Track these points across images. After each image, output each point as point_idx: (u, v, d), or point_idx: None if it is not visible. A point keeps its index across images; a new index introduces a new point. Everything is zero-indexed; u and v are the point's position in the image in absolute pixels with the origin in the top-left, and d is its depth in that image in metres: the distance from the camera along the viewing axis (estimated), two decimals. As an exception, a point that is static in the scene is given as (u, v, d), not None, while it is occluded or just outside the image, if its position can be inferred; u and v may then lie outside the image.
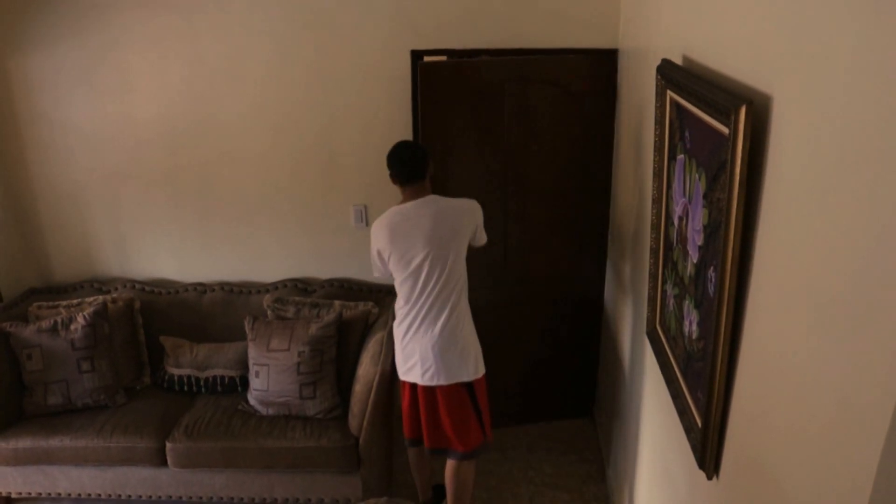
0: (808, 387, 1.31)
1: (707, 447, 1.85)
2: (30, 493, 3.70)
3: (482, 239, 3.31)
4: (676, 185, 2.18)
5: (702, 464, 1.90)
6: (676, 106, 2.16)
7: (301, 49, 3.78)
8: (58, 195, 4.14)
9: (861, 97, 1.12)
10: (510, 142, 3.87)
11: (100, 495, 3.67)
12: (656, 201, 2.46)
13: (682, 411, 2.09)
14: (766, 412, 1.52)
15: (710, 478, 1.90)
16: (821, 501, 1.25)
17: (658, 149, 2.42)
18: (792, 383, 1.38)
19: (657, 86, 2.37)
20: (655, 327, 2.55)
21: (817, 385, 1.27)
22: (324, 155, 3.95)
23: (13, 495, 3.74)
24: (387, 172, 3.92)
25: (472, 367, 3.18)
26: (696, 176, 1.92)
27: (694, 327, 1.98)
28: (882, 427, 1.04)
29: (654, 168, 2.47)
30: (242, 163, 4.00)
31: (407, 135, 3.86)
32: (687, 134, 2.03)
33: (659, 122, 2.39)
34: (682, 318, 2.12)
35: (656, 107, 2.40)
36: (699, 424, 1.92)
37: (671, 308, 2.29)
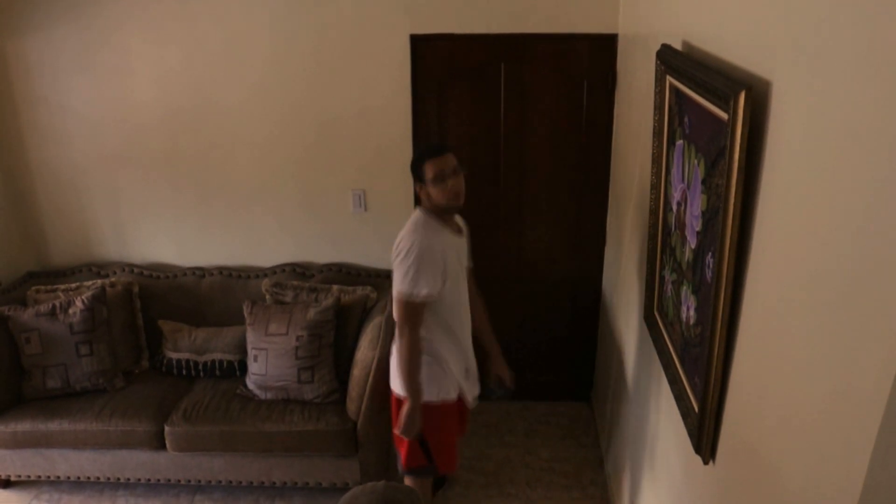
0: (804, 372, 1.32)
1: (703, 432, 1.86)
2: (29, 476, 3.71)
3: None
4: (675, 171, 2.18)
5: (698, 448, 1.91)
6: (676, 91, 2.15)
7: (300, 34, 3.76)
8: (56, 179, 4.13)
9: (860, 83, 1.12)
10: (507, 124, 3.87)
11: (98, 478, 3.69)
12: (655, 187, 2.46)
13: (679, 396, 2.10)
14: (762, 397, 1.53)
15: (706, 462, 1.91)
16: (816, 486, 1.26)
17: (657, 134, 2.41)
18: (788, 369, 1.39)
19: (657, 71, 2.37)
20: (653, 313, 2.56)
21: (813, 371, 1.27)
22: (323, 140, 3.94)
23: (12, 478, 3.75)
24: (386, 157, 3.94)
25: (399, 384, 2.93)
26: (695, 161, 1.92)
27: (691, 313, 1.99)
28: (877, 413, 1.05)
29: (653, 154, 2.46)
30: (241, 147, 3.99)
31: (406, 121, 3.85)
32: (686, 119, 2.03)
33: (658, 107, 2.39)
34: (680, 303, 2.12)
35: (656, 92, 2.40)
36: (696, 409, 1.93)
37: (669, 293, 2.29)
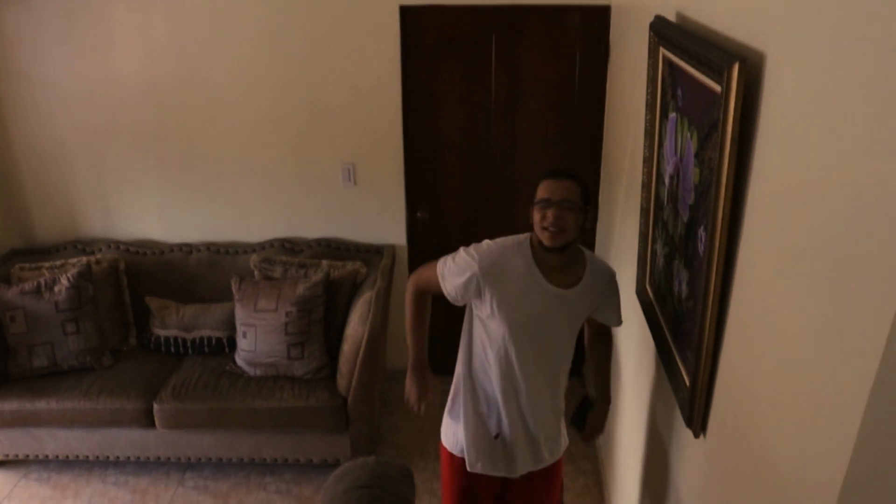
0: (795, 345, 1.31)
1: (694, 406, 1.86)
2: (17, 456, 3.70)
3: None
4: (668, 144, 2.16)
5: (689, 422, 1.91)
6: (669, 63, 2.12)
7: (289, 5, 3.70)
8: (39, 154, 4.07)
9: (854, 55, 1.10)
10: (498, 97, 3.84)
11: (87, 457, 3.68)
12: (647, 160, 2.44)
13: (671, 371, 2.10)
14: (753, 371, 1.52)
15: (696, 436, 1.91)
16: (804, 458, 1.26)
17: (650, 107, 2.39)
18: (780, 343, 1.38)
19: (650, 43, 2.34)
20: (645, 287, 2.55)
21: (804, 345, 1.27)
22: (312, 113, 3.90)
23: (0, 458, 3.74)
24: (376, 130, 3.90)
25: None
26: (688, 134, 1.90)
27: (683, 287, 1.97)
28: (865, 387, 1.04)
29: (646, 127, 2.44)
30: (229, 121, 3.94)
31: (396, 94, 3.81)
32: (679, 92, 2.01)
33: (651, 79, 2.36)
34: (672, 277, 2.11)
35: (649, 64, 2.37)
36: (687, 383, 1.92)
37: (661, 268, 2.28)
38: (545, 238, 2.23)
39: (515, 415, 2.44)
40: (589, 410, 2.66)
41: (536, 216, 2.26)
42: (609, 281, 2.45)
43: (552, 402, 2.50)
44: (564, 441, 2.65)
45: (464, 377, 2.49)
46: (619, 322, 2.54)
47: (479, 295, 2.32)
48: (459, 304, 2.42)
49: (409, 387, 2.63)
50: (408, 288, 2.54)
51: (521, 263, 2.30)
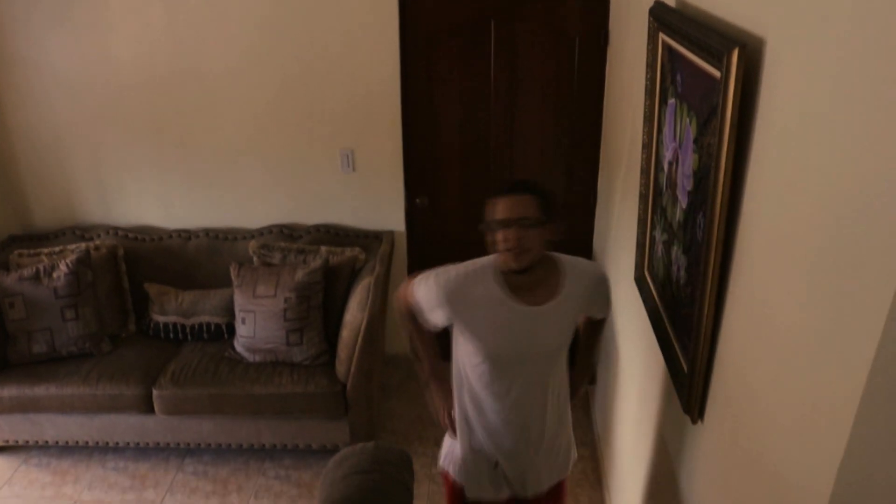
0: (793, 332, 1.31)
1: (692, 392, 1.86)
2: (17, 441, 3.71)
3: None
4: (667, 130, 2.16)
5: (687, 408, 1.91)
6: (668, 49, 2.12)
7: (285, -11, 3.69)
8: (36, 140, 4.06)
9: (855, 41, 1.09)
10: (497, 83, 3.83)
11: (87, 443, 3.69)
12: (646, 146, 2.43)
13: (669, 357, 2.10)
14: (751, 356, 1.53)
15: (694, 422, 1.91)
16: (802, 446, 1.26)
17: (649, 93, 2.38)
18: (777, 328, 1.38)
19: (649, 28, 2.33)
20: (644, 273, 2.55)
21: (803, 330, 1.27)
22: (310, 99, 3.89)
23: (0, 443, 3.75)
24: (375, 116, 3.88)
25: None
26: (687, 120, 1.89)
27: (682, 273, 1.97)
28: (863, 373, 1.04)
29: (645, 112, 2.43)
30: (227, 106, 3.93)
31: (394, 80, 3.80)
32: (679, 78, 2.00)
33: (650, 65, 2.35)
34: (671, 263, 2.11)
35: (648, 50, 2.36)
36: (685, 369, 1.92)
37: (660, 254, 2.28)
38: (509, 260, 2.07)
39: (513, 442, 2.32)
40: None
41: (495, 237, 2.08)
42: (594, 283, 2.29)
43: (554, 416, 2.36)
44: (574, 452, 2.56)
45: (457, 409, 2.36)
46: (604, 315, 2.46)
47: (450, 321, 2.21)
48: (437, 330, 2.32)
49: (434, 403, 2.47)
50: (395, 308, 2.43)
51: (487, 288, 2.14)
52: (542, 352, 2.23)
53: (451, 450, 2.45)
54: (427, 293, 2.22)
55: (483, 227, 2.11)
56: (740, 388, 1.59)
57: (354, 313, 3.44)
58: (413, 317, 2.35)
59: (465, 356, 2.25)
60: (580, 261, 2.30)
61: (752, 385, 1.51)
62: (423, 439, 3.81)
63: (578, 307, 2.26)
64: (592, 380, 2.63)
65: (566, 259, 2.26)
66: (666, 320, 2.18)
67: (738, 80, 1.48)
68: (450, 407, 2.42)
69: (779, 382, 1.38)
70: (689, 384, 1.88)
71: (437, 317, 2.22)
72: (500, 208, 2.06)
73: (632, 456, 2.84)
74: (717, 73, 1.57)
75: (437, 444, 3.56)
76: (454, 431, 2.41)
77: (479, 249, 3.90)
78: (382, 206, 4.08)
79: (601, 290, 2.34)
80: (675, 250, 2.05)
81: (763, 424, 1.45)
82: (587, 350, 2.58)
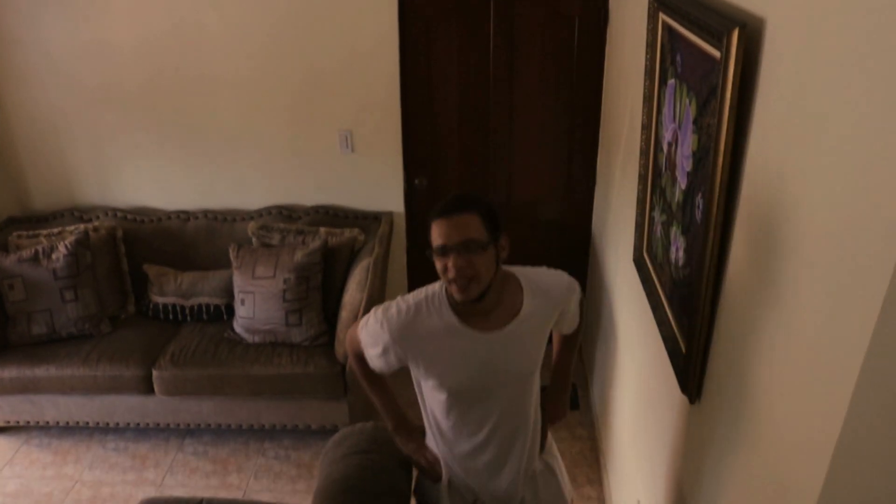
0: (790, 312, 1.31)
1: (690, 372, 1.87)
2: (17, 422, 3.72)
3: None
4: (666, 111, 2.15)
5: (684, 388, 1.92)
6: (668, 29, 2.11)
7: (282, -31, 3.66)
8: (34, 121, 4.04)
9: (855, 21, 1.09)
10: (496, 63, 3.81)
11: (87, 423, 3.70)
12: (646, 127, 2.43)
13: (667, 337, 2.11)
14: (748, 337, 1.53)
15: (692, 402, 1.92)
16: (799, 424, 1.27)
17: (649, 73, 2.37)
18: (776, 308, 1.38)
19: (649, 8, 2.32)
20: (642, 254, 2.55)
21: (799, 312, 1.27)
22: (309, 79, 3.87)
23: (1, 424, 3.76)
24: (373, 97, 3.87)
25: None
26: (687, 101, 1.89)
27: (680, 254, 1.98)
28: (860, 352, 1.05)
29: (645, 93, 2.43)
30: (225, 87, 3.91)
31: (393, 59, 3.78)
32: (678, 58, 1.99)
33: (650, 45, 2.34)
34: (669, 244, 2.11)
35: (648, 30, 2.35)
36: (683, 350, 1.93)
37: (658, 235, 2.28)
38: (454, 291, 1.84)
39: (492, 479, 2.14)
40: (543, 396, 2.28)
41: (438, 265, 1.84)
42: (559, 294, 2.08)
43: (534, 438, 2.18)
44: (567, 484, 2.38)
45: (432, 448, 2.20)
46: (573, 327, 2.25)
47: (403, 361, 2.00)
48: (387, 373, 2.09)
49: (411, 453, 2.27)
50: (349, 352, 2.20)
51: (438, 319, 1.93)
52: (510, 379, 2.02)
53: (422, 482, 2.27)
54: (373, 335, 2.00)
55: (427, 253, 1.85)
56: (738, 369, 1.60)
57: (353, 294, 3.45)
58: (365, 362, 2.11)
59: (430, 395, 2.06)
60: (541, 272, 2.09)
61: (750, 365, 1.52)
62: (421, 419, 3.82)
63: (543, 323, 2.04)
64: (574, 404, 2.40)
65: (525, 273, 2.05)
66: (664, 301, 2.19)
67: (738, 60, 1.47)
68: (425, 453, 2.22)
69: (776, 362, 1.38)
70: (686, 364, 1.88)
71: (389, 360, 2.00)
72: (438, 232, 1.81)
73: (630, 436, 2.86)
74: (716, 54, 1.57)
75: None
76: (435, 474, 2.20)
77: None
78: (381, 187, 4.08)
79: (568, 302, 2.11)
80: (674, 231, 2.05)
81: (760, 403, 1.46)
82: (561, 371, 2.37)
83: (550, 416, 2.32)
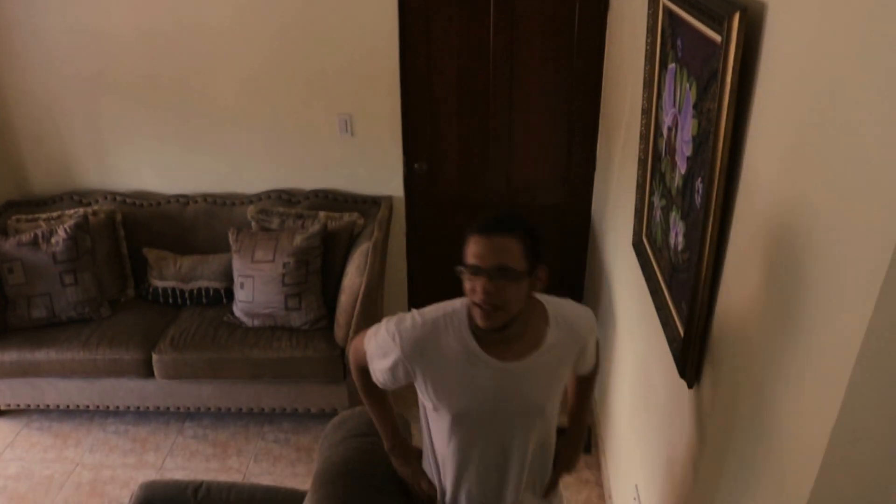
0: (788, 297, 1.31)
1: (688, 357, 1.87)
2: (18, 405, 3.73)
3: None
4: (667, 95, 2.15)
5: (683, 373, 1.92)
6: (669, 13, 2.10)
7: (280, -49, 3.64)
8: (33, 104, 4.03)
9: (857, 6, 1.08)
10: (496, 47, 3.80)
11: (88, 406, 3.71)
12: (646, 112, 2.42)
13: (666, 322, 2.11)
14: (747, 322, 1.53)
15: (690, 387, 1.92)
16: (796, 410, 1.27)
17: (649, 58, 2.36)
18: (775, 293, 1.38)
19: (649, -9, 2.31)
20: (642, 239, 2.55)
21: (798, 296, 1.27)
22: (308, 62, 3.85)
23: (1, 407, 3.78)
24: (373, 81, 3.85)
25: None
26: (687, 86, 1.88)
27: (680, 239, 1.98)
28: (857, 336, 1.05)
29: (645, 78, 2.42)
30: (224, 70, 3.89)
31: (393, 44, 3.76)
32: (679, 42, 1.99)
33: (651, 29, 2.33)
34: (669, 229, 2.11)
35: (648, 14, 2.34)
36: (681, 335, 1.93)
37: (658, 220, 2.28)
38: (477, 316, 1.71)
39: None
40: (559, 441, 2.14)
41: (466, 285, 1.71)
42: (582, 331, 1.94)
43: (537, 476, 2.06)
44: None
45: (430, 475, 2.08)
46: (590, 367, 2.11)
47: (410, 379, 1.87)
48: (391, 388, 1.97)
49: (406, 477, 2.15)
50: (351, 362, 2.10)
51: (455, 340, 1.80)
52: (519, 412, 1.89)
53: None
54: (382, 347, 1.88)
55: (458, 269, 1.71)
56: (737, 354, 1.60)
57: (353, 278, 3.45)
58: (366, 375, 2.00)
59: (433, 417, 1.94)
60: (567, 304, 1.94)
61: (750, 351, 1.52)
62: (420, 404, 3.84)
63: (564, 358, 1.91)
64: (588, 447, 2.21)
65: (552, 302, 1.91)
66: (663, 286, 2.19)
67: (739, 44, 1.47)
68: (420, 479, 2.11)
69: (775, 347, 1.39)
70: (685, 349, 1.89)
71: (396, 375, 1.88)
72: (473, 250, 1.67)
73: (628, 420, 2.87)
74: (717, 38, 1.56)
75: (435, 408, 3.54)
76: (430, 501, 2.09)
77: (477, 215, 3.87)
78: (381, 172, 4.07)
79: (588, 340, 1.98)
80: (674, 216, 2.05)
81: (759, 389, 1.46)
82: (577, 418, 2.23)
83: (562, 464, 2.16)
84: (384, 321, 1.91)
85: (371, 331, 1.95)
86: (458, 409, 1.85)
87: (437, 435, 1.96)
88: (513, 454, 1.93)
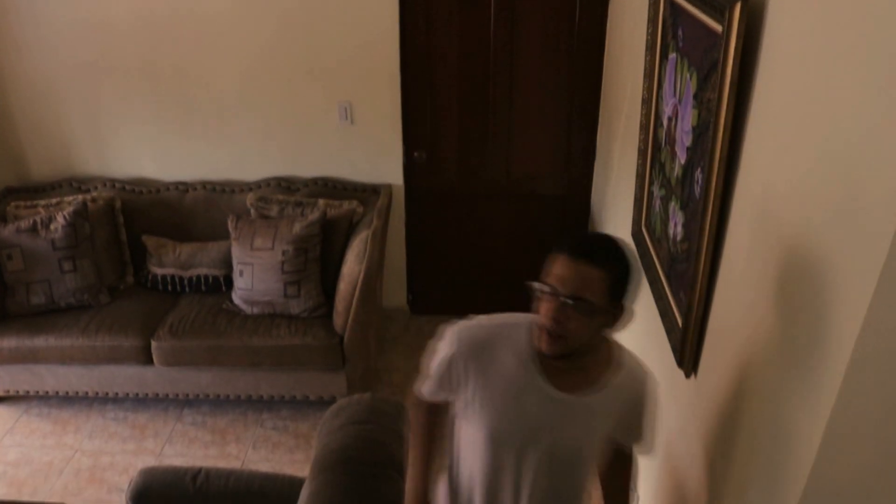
0: (786, 287, 1.32)
1: (686, 347, 1.88)
2: (17, 392, 3.74)
3: None
4: (667, 86, 2.15)
5: (681, 363, 1.93)
6: (670, 3, 2.09)
7: (281, -62, 3.62)
8: (32, 91, 4.02)
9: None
10: (497, 36, 3.79)
11: (87, 393, 3.72)
12: (646, 101, 2.42)
13: (664, 312, 2.12)
14: (745, 313, 1.54)
15: (688, 376, 1.93)
16: (792, 401, 1.28)
17: (650, 48, 2.36)
18: (774, 282, 1.39)
19: (650, -20, 2.30)
20: (641, 229, 2.55)
21: (796, 287, 1.28)
22: (307, 50, 3.84)
23: (1, 393, 3.78)
24: (373, 69, 3.84)
25: None
26: (688, 76, 1.88)
27: (679, 229, 1.98)
28: (856, 325, 1.06)
29: (645, 68, 2.42)
30: (224, 57, 3.88)
31: (393, 32, 3.75)
32: (680, 32, 1.98)
33: (652, 19, 2.33)
34: (668, 219, 2.12)
35: (649, 4, 2.34)
36: (679, 325, 1.94)
37: (657, 210, 2.28)
38: (538, 339, 1.60)
39: None
40: None
41: (537, 303, 1.58)
42: (641, 387, 1.77)
43: None
44: None
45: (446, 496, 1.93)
46: (641, 441, 1.85)
47: (458, 384, 1.74)
48: (437, 398, 1.84)
49: None
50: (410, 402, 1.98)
51: (513, 354, 1.69)
52: (564, 452, 1.74)
53: None
54: (441, 346, 1.78)
55: (532, 284, 1.58)
56: (734, 344, 1.61)
57: (352, 266, 3.45)
58: (422, 410, 1.91)
59: (466, 436, 1.81)
60: (636, 358, 1.79)
61: (747, 341, 1.53)
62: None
63: (613, 408, 1.73)
64: None
65: (622, 348, 1.76)
66: (662, 276, 2.19)
67: (740, 34, 1.47)
68: None
69: (772, 337, 1.39)
70: (683, 339, 1.90)
71: (447, 376, 1.76)
72: (555, 270, 1.53)
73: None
74: (718, 28, 1.56)
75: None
76: None
77: (476, 204, 3.88)
78: (381, 160, 4.07)
79: (643, 402, 1.79)
80: (673, 206, 2.05)
81: (756, 378, 1.47)
82: (616, 498, 1.96)
83: None
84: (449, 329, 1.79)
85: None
86: (496, 425, 1.72)
87: (464, 458, 1.83)
88: (523, 491, 1.77)
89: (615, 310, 1.56)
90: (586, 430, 1.72)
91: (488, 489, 1.78)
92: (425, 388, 1.84)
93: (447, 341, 1.75)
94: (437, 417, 1.89)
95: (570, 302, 1.49)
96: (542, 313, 1.55)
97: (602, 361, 1.69)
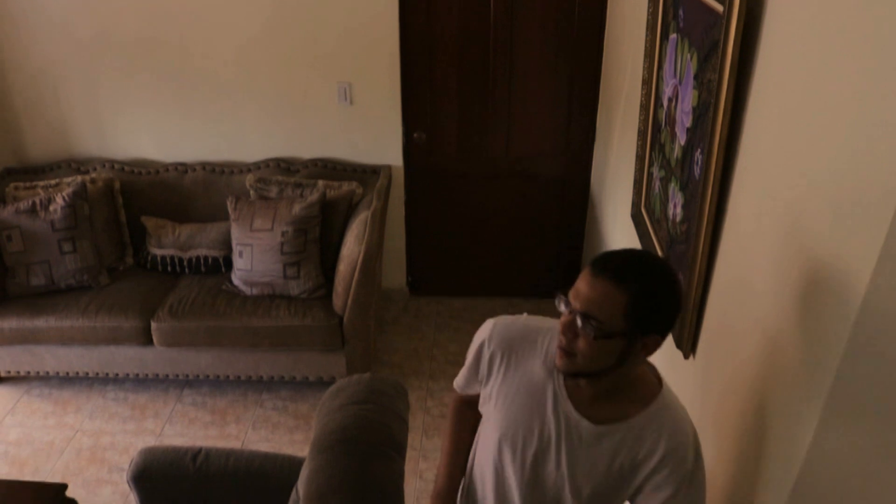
0: (784, 269, 1.32)
1: (685, 328, 1.88)
2: (18, 372, 3.75)
3: None
4: (667, 66, 2.14)
5: (679, 343, 1.94)
6: (670, -19, 2.08)
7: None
8: (30, 72, 4.00)
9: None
10: (497, 17, 3.76)
11: (87, 374, 3.73)
12: (646, 82, 2.41)
13: (663, 293, 2.12)
14: (743, 295, 1.54)
15: (686, 357, 1.94)
16: (787, 380, 1.28)
17: (650, 28, 2.35)
18: (771, 264, 1.39)
19: (651, -41, 2.28)
20: (640, 210, 2.55)
21: (795, 268, 1.28)
22: (308, 31, 3.82)
23: (2, 374, 3.79)
24: (373, 49, 3.82)
25: None
26: (688, 56, 1.87)
27: (678, 210, 1.98)
28: (855, 303, 1.06)
29: (646, 48, 2.41)
30: (223, 37, 3.86)
31: (393, 11, 3.73)
32: (681, 12, 1.97)
33: (652, -2, 2.31)
34: (667, 200, 2.11)
35: (649, -18, 2.32)
36: (679, 306, 1.94)
37: (657, 191, 2.28)
38: (557, 352, 1.48)
39: None
40: None
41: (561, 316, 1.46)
42: (670, 442, 1.48)
43: None
44: None
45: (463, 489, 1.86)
46: None
47: (484, 376, 1.67)
48: (469, 389, 1.78)
49: None
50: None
51: (543, 360, 1.59)
52: (558, 481, 1.59)
53: None
54: (479, 332, 1.71)
55: (557, 294, 1.47)
56: (732, 325, 1.61)
57: (351, 247, 3.45)
58: (460, 405, 1.86)
59: (485, 432, 1.72)
60: (682, 412, 1.53)
61: (744, 322, 1.53)
62: (419, 372, 3.86)
63: (634, 452, 1.51)
64: None
65: (668, 395, 1.54)
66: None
67: (741, 14, 1.46)
68: None
69: (771, 318, 1.39)
70: (681, 320, 1.90)
71: (479, 363, 1.67)
72: (578, 282, 1.41)
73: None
74: (719, 8, 1.55)
75: (433, 377, 3.60)
76: None
77: (476, 186, 3.87)
78: (380, 141, 4.06)
79: (668, 459, 1.49)
80: (673, 187, 2.05)
81: (754, 359, 1.47)
82: None
83: None
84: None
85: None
86: (506, 424, 1.61)
87: (482, 456, 1.74)
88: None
89: (637, 338, 1.38)
90: (593, 471, 1.54)
91: (497, 494, 1.69)
92: (458, 378, 1.79)
93: (484, 329, 1.68)
94: (470, 412, 1.82)
95: (577, 319, 1.37)
96: (560, 331, 1.44)
97: (637, 399, 1.51)
